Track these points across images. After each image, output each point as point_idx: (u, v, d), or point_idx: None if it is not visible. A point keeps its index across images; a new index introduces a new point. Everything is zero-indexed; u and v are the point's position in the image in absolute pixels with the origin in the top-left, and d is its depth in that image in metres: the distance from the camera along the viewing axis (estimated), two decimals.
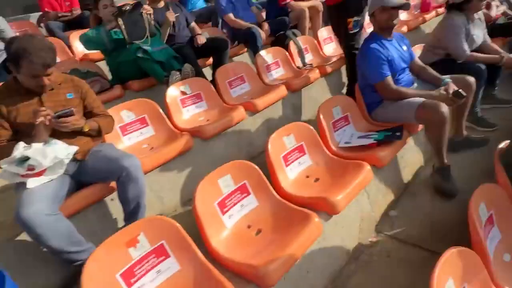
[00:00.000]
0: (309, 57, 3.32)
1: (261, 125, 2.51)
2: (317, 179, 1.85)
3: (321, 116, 2.12)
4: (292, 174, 1.87)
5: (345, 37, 2.60)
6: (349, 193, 1.61)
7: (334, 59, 3.20)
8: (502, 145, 1.64)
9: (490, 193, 1.42)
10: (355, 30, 2.54)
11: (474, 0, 2.55)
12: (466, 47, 2.57)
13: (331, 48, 3.59)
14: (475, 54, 2.60)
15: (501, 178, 1.52)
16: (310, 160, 1.97)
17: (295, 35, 3.35)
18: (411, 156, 2.18)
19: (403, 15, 4.34)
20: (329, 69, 3.03)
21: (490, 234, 1.37)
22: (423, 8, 4.40)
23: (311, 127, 2.01)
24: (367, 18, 2.45)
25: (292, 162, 1.90)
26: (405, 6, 2.13)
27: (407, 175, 2.12)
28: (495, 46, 2.79)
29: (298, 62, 3.23)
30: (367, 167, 1.75)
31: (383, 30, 2.18)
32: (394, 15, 2.12)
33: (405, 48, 2.28)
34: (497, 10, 3.44)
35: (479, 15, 2.76)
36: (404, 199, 1.99)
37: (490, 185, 1.44)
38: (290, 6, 3.60)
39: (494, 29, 3.27)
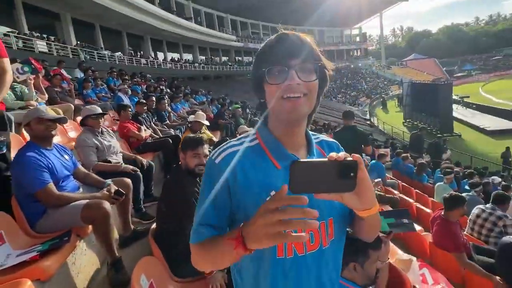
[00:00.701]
0: None
1: None
2: None
3: None
4: None
5: None
6: None
7: None
8: (153, 226, 2.08)
9: (148, 265, 1.70)
10: (2, 152, 2.18)
11: (88, 119, 3.12)
12: (93, 157, 3.00)
13: None
14: (101, 164, 3.01)
15: (155, 250, 1.89)
16: None
17: None
18: (84, 261, 2.14)
19: None
20: None
21: None
22: None
23: None
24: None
25: None
26: (62, 120, 2.32)
27: (82, 282, 2.03)
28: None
29: None
30: (28, 283, 1.51)
31: (41, 139, 2.20)
32: (52, 126, 2.23)
33: (67, 157, 2.39)
34: (145, 132, 4.58)
35: (106, 128, 3.37)
36: None
37: (148, 258, 1.73)
38: None
39: (145, 145, 4.32)
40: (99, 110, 3.16)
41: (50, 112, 2.25)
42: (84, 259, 2.15)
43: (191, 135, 2.44)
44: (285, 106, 0.73)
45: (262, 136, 0.82)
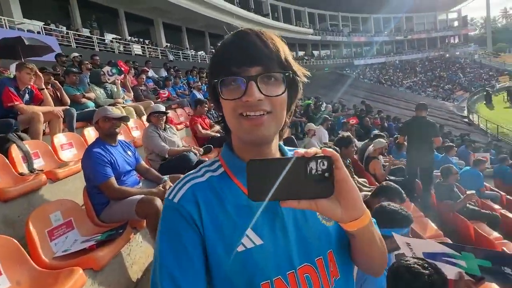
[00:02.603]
0: (39, 163, 2.99)
1: None
2: None
3: (31, 226, 1.85)
4: None
5: None
6: None
7: (72, 164, 3.06)
8: None
9: None
10: None
11: (151, 116, 3.39)
12: (163, 143, 3.29)
13: (71, 153, 3.45)
14: (173, 148, 3.33)
15: None
16: (7, 281, 1.59)
17: (21, 139, 3.00)
18: (140, 252, 2.24)
19: None
20: (62, 174, 2.83)
21: None
22: None
23: (13, 239, 1.69)
24: None
25: None
26: (125, 119, 2.48)
27: (136, 273, 2.12)
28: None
29: (23, 168, 2.82)
30: (79, 272, 1.61)
31: (107, 136, 2.38)
32: (116, 124, 2.40)
33: (130, 153, 2.55)
34: (213, 128, 4.70)
35: (170, 125, 3.67)
36: None
37: None
38: (19, 109, 3.27)
39: (210, 141, 4.42)
40: (162, 109, 3.34)
41: (115, 111, 2.42)
42: (139, 251, 2.26)
43: None
44: (244, 126, 0.56)
45: (227, 161, 0.66)
